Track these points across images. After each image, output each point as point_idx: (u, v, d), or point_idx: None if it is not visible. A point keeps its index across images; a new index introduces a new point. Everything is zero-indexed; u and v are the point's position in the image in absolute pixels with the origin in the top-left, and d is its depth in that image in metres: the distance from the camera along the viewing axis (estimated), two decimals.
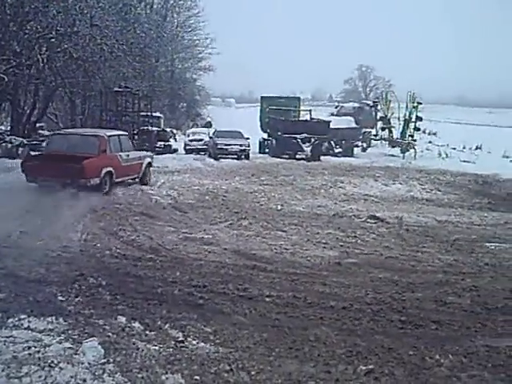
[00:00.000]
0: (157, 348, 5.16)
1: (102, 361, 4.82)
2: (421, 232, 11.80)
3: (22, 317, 5.68)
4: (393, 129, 38.87)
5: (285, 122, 33.59)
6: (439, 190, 19.51)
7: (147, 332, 5.54)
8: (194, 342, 5.35)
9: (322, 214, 13.63)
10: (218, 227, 11.35)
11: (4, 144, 23.31)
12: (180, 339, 5.40)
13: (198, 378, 4.64)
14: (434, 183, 21.13)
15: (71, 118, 32.38)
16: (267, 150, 34.27)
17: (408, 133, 36.96)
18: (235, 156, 29.98)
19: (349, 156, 33.66)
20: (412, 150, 35.18)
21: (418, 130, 37.76)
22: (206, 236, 10.31)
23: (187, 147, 35.01)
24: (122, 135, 17.00)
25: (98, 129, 20.22)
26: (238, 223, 11.82)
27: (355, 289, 7.37)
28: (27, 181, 14.47)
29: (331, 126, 33.76)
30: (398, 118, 37.99)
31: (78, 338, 5.25)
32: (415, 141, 36.91)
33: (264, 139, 35.82)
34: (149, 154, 18.89)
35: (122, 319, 5.80)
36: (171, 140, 34.56)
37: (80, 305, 6.26)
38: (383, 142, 40.43)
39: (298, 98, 44.14)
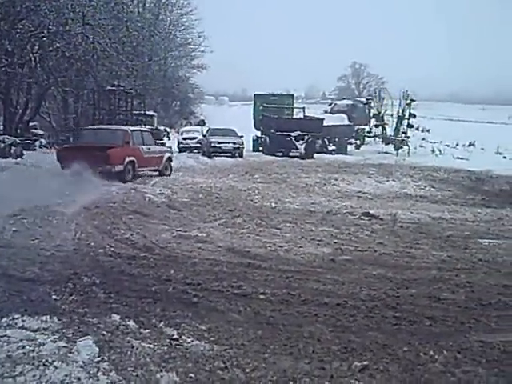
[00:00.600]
0: (151, 346, 5.15)
1: (97, 359, 4.80)
2: (415, 229, 11.82)
3: (16, 316, 5.65)
4: (386, 126, 38.97)
5: (278, 119, 33.62)
6: (433, 187, 19.57)
7: (142, 330, 5.52)
8: (189, 340, 5.34)
9: (316, 211, 13.64)
10: (212, 225, 11.34)
11: None
12: (174, 337, 5.39)
13: (192, 375, 4.63)
14: (428, 180, 21.19)
15: (64, 116, 32.37)
16: (261, 148, 34.33)
17: (401, 130, 37.10)
18: (229, 154, 30.02)
19: (342, 153, 33.74)
20: (405, 147, 35.32)
21: (412, 127, 37.90)
22: (200, 234, 10.29)
23: (181, 145, 35.05)
24: (144, 131, 19.50)
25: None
26: (232, 221, 11.82)
27: (349, 285, 7.37)
28: (62, 168, 16.87)
29: (325, 123, 33.84)
30: (392, 116, 38.08)
31: (72, 337, 5.23)
32: (408, 138, 37.05)
33: (258, 137, 35.89)
34: (169, 149, 21.14)
35: (117, 317, 5.79)
36: (165, 138, 34.59)
37: (74, 303, 6.23)
38: (377, 139, 40.54)
39: (292, 96, 44.16)
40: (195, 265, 8.15)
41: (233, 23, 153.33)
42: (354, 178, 20.76)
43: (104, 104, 29.55)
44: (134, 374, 4.62)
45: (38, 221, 10.61)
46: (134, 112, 30.56)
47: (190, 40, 53.71)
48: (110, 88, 28.77)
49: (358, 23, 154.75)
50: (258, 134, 36.08)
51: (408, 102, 36.91)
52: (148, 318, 5.86)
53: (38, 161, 21.53)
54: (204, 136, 32.67)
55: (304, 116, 36.65)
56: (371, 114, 41.19)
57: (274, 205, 14.26)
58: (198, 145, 33.56)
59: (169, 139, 37.03)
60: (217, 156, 29.20)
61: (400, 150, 34.88)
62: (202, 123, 44.66)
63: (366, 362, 4.95)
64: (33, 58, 23.38)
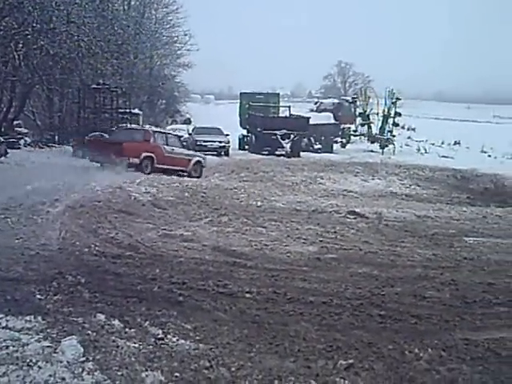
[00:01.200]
0: (136, 345, 5.13)
1: (82, 359, 4.77)
2: (400, 227, 11.88)
3: (0, 316, 5.61)
4: (372, 125, 39.06)
5: (264, 118, 33.63)
6: (418, 185, 19.69)
7: (127, 329, 5.50)
8: (174, 339, 5.32)
9: (302, 209, 13.66)
10: (198, 224, 11.32)
11: None
12: (160, 336, 5.37)
13: (178, 374, 4.62)
14: (413, 178, 21.30)
15: (49, 115, 32.14)
16: (247, 147, 34.31)
17: (387, 128, 37.23)
18: (215, 152, 29.98)
19: (328, 152, 33.82)
20: (391, 146, 35.48)
21: (397, 125, 38.05)
22: (186, 233, 10.27)
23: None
24: (170, 134, 22.26)
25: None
26: (218, 220, 11.80)
27: (335, 284, 7.39)
28: (90, 160, 20.07)
29: (310, 122, 33.86)
30: (377, 114, 38.18)
31: (56, 337, 5.20)
32: (394, 136, 37.20)
33: (244, 135, 35.87)
34: (201, 154, 22.96)
35: (102, 317, 5.76)
36: None
37: (59, 303, 6.19)
38: (362, 137, 40.61)
39: (278, 95, 44.24)
40: (181, 264, 8.13)
41: (219, 21, 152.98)
42: (340, 177, 20.82)
43: (89, 102, 29.41)
44: (119, 373, 4.59)
45: (22, 220, 10.52)
46: (120, 110, 30.41)
47: (176, 38, 53.48)
48: (95, 86, 28.64)
49: (345, 22, 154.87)
50: (244, 132, 36.05)
51: (393, 100, 37.04)
52: (133, 318, 5.84)
53: (23, 159, 21.39)
54: (190, 134, 32.59)
55: (290, 115, 36.67)
56: (357, 113, 41.28)
57: (259, 203, 14.26)
58: (184, 143, 33.49)
59: None
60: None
61: (385, 149, 35.04)
62: (187, 122, 44.62)
63: (351, 361, 4.97)
64: (16, 56, 23.20)
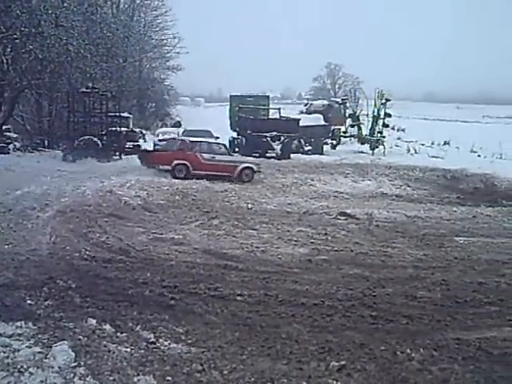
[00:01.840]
0: (128, 350, 5.12)
1: (73, 364, 4.76)
2: (390, 228, 11.90)
3: None
4: (362, 126, 39.06)
5: (254, 120, 33.53)
6: (408, 186, 19.71)
7: (118, 334, 5.49)
8: (166, 343, 5.32)
9: (293, 211, 13.66)
10: (189, 227, 11.30)
11: None
12: (151, 340, 5.37)
13: (170, 378, 4.62)
14: (404, 179, 21.32)
15: (38, 119, 31.98)
16: (237, 149, 34.21)
17: (377, 129, 37.16)
18: None
19: (318, 154, 33.71)
20: (381, 147, 35.43)
21: (387, 126, 38.00)
22: (177, 236, 10.26)
23: (157, 147, 34.83)
24: (212, 143, 22.98)
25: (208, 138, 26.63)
26: (209, 223, 11.79)
27: (326, 285, 7.40)
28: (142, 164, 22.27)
29: (300, 123, 33.78)
30: (367, 115, 38.18)
31: (47, 342, 5.18)
32: (384, 137, 37.14)
33: (234, 138, 35.74)
34: (250, 160, 23.67)
35: (93, 322, 5.74)
36: (140, 140, 34.31)
37: (49, 308, 6.18)
38: (352, 139, 40.57)
39: (267, 97, 44.10)
40: (172, 267, 8.12)
41: (209, 24, 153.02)
42: (331, 178, 20.83)
43: (79, 106, 29.24)
44: (111, 378, 4.58)
45: (12, 225, 10.48)
46: (109, 114, 30.24)
47: (165, 41, 53.36)
48: (84, 90, 28.47)
49: (334, 24, 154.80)
50: (235, 134, 35.91)
51: (383, 101, 37.07)
52: (124, 322, 5.83)
53: (12, 164, 21.27)
54: None
55: (280, 116, 36.58)
56: (347, 114, 41.20)
57: (250, 206, 14.25)
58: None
59: (145, 141, 36.73)
60: None
61: (376, 150, 34.99)
62: (177, 125, 44.48)
63: (343, 362, 4.98)
64: (5, 60, 23.06)
